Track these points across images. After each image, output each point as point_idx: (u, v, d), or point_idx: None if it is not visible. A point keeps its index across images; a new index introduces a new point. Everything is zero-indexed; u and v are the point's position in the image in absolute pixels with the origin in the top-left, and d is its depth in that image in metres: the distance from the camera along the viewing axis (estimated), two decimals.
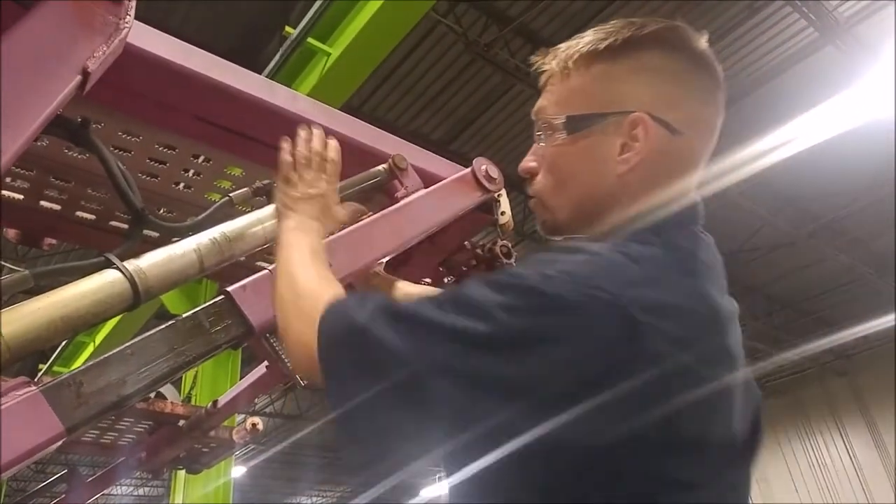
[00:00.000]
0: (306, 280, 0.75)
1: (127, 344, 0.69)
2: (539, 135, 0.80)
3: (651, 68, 0.74)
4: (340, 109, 1.19)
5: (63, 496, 2.14)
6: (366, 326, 0.61)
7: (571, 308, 0.57)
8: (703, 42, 0.77)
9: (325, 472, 14.89)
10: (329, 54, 3.92)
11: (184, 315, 0.74)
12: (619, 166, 0.73)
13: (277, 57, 4.25)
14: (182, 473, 4.70)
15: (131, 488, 14.67)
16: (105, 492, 2.34)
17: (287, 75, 4.19)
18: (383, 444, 0.61)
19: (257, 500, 16.11)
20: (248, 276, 0.88)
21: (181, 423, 1.92)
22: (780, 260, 9.26)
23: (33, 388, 0.63)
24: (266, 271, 0.83)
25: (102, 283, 0.73)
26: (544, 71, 0.81)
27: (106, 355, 0.68)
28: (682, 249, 0.68)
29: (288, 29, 4.21)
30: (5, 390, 0.62)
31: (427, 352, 0.58)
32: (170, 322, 0.74)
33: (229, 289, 0.79)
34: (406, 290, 1.14)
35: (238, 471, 11.39)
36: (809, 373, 13.07)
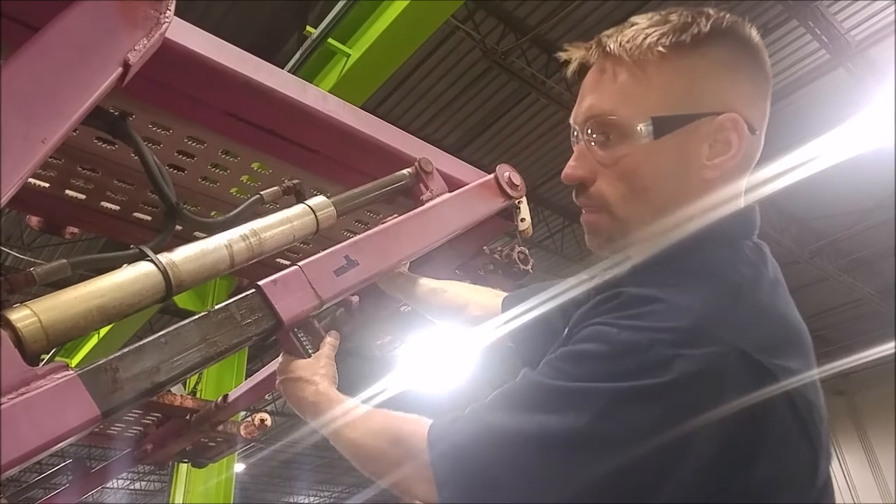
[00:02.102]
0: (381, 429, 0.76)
1: (161, 333, 0.70)
2: (597, 139, 0.71)
3: (729, 64, 0.69)
4: None
5: (65, 486, 2.15)
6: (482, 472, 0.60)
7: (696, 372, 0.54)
8: (758, 36, 0.72)
9: (322, 472, 14.88)
10: (349, 55, 3.95)
11: (216, 307, 0.75)
12: (707, 171, 0.68)
13: (297, 56, 4.28)
14: (184, 467, 4.71)
15: (127, 482, 14.65)
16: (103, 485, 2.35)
17: (306, 75, 4.21)
18: None
19: (255, 497, 16.09)
20: (264, 272, 0.90)
21: (189, 416, 1.93)
22: (785, 278, 9.23)
23: (71, 372, 0.64)
24: (295, 267, 0.84)
25: (137, 274, 0.74)
26: (583, 65, 0.74)
27: (141, 343, 0.69)
28: (758, 270, 0.66)
29: (309, 29, 4.24)
30: (44, 373, 0.63)
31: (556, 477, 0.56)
32: (202, 313, 0.75)
33: (260, 283, 0.80)
34: (429, 285, 1.15)
35: (237, 467, 11.39)
36: None
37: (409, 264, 1.21)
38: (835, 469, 12.65)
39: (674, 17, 0.69)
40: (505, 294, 1.09)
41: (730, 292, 0.60)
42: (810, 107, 6.58)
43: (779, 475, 0.55)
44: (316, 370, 0.90)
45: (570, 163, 0.74)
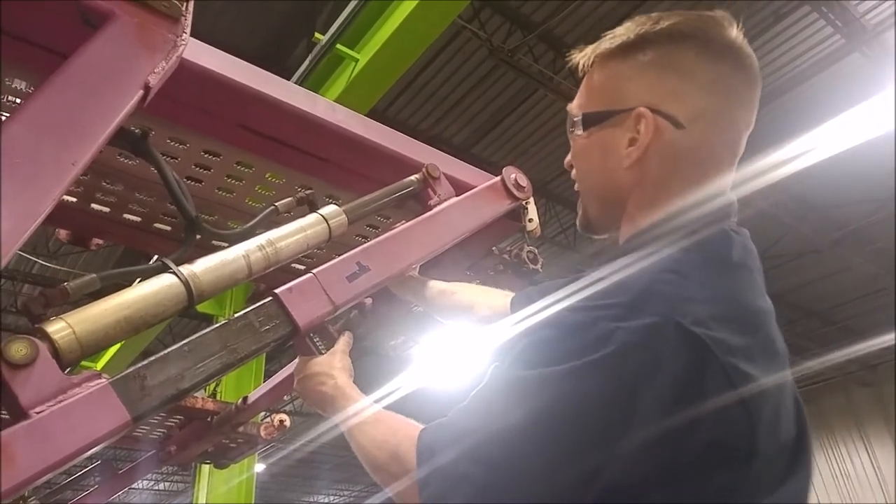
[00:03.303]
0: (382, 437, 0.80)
1: (185, 341, 0.74)
2: (570, 131, 0.86)
3: (661, 63, 0.75)
4: (365, 114, 1.23)
5: (95, 487, 2.22)
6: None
7: (633, 343, 0.58)
8: (729, 31, 0.75)
9: (341, 472, 15.01)
10: (357, 60, 3.99)
11: (235, 315, 0.79)
12: (625, 160, 0.76)
13: (307, 63, 4.33)
14: (206, 468, 4.79)
15: (152, 483, 14.90)
16: (130, 486, 2.41)
17: (316, 80, 4.27)
18: None
19: (276, 497, 16.27)
20: (280, 277, 0.94)
21: (211, 418, 1.98)
22: (805, 268, 9.13)
23: (103, 380, 0.68)
24: (309, 275, 0.88)
25: (160, 286, 0.78)
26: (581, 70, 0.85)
27: (166, 351, 0.73)
28: (715, 252, 0.69)
29: (317, 35, 4.29)
30: (79, 381, 0.67)
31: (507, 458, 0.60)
32: (223, 322, 0.79)
33: (277, 291, 0.84)
34: (439, 287, 1.18)
35: (258, 468, 11.53)
36: (833, 382, 12.85)
37: (419, 267, 1.24)
38: (863, 460, 12.52)
39: (620, 30, 0.80)
40: (514, 294, 1.12)
41: (673, 270, 0.64)
42: (826, 93, 6.48)
43: (714, 440, 0.58)
44: (333, 364, 0.94)
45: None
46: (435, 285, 1.19)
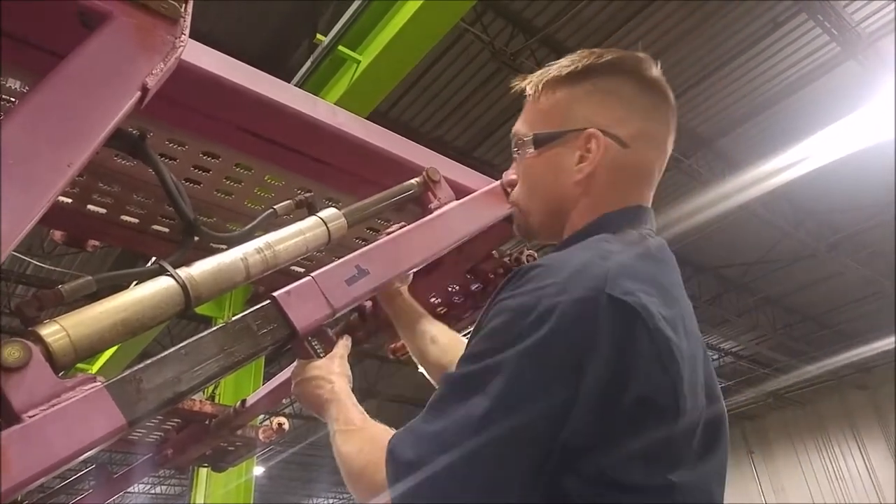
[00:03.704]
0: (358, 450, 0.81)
1: (182, 344, 0.74)
2: (516, 151, 0.93)
3: (605, 91, 0.86)
4: (367, 116, 1.23)
5: (89, 491, 2.20)
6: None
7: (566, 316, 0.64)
8: (655, 69, 0.88)
9: (337, 474, 14.95)
10: (358, 62, 3.99)
11: (233, 318, 0.78)
12: (576, 175, 0.85)
13: (308, 64, 4.32)
14: (204, 472, 4.77)
15: (148, 486, 14.83)
16: (125, 490, 2.39)
17: (317, 82, 4.26)
18: None
19: (273, 499, 16.22)
20: (279, 278, 0.93)
21: (209, 421, 1.97)
22: (801, 271, 9.17)
23: (98, 383, 0.68)
24: (308, 278, 0.87)
25: (157, 289, 0.77)
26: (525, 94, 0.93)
27: (163, 354, 0.72)
28: (638, 243, 0.79)
29: (319, 37, 4.29)
30: (73, 385, 0.67)
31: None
32: (220, 325, 0.78)
33: (275, 294, 0.83)
34: (421, 326, 1.18)
35: (256, 470, 11.50)
36: (829, 385, 12.89)
37: (411, 279, 1.23)
38: (857, 462, 12.55)
39: (572, 58, 0.89)
40: None
41: (600, 254, 0.72)
42: (822, 100, 6.53)
43: (643, 396, 0.64)
44: (331, 369, 0.94)
45: (511, 169, 0.98)
46: (416, 321, 1.19)
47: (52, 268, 7.43)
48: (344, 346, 1.01)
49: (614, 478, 0.64)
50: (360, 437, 0.83)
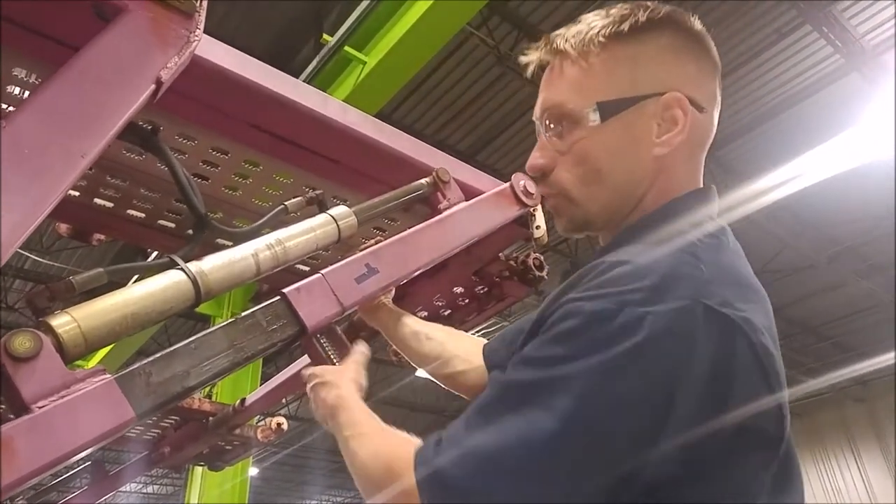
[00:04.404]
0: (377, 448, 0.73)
1: (192, 338, 0.73)
2: (553, 129, 0.77)
3: (672, 48, 0.74)
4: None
5: (83, 489, 2.19)
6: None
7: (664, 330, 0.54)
8: (698, 23, 0.78)
9: (334, 477, 14.93)
10: (365, 63, 3.99)
11: (243, 314, 0.78)
12: (657, 148, 0.72)
13: (314, 63, 4.33)
14: (199, 471, 4.75)
15: (140, 485, 14.77)
16: (119, 487, 2.37)
17: (322, 83, 4.26)
18: None
19: (268, 500, 16.17)
20: (284, 277, 0.93)
21: (207, 419, 1.96)
22: (801, 283, 9.18)
23: (108, 375, 0.67)
24: (318, 275, 0.87)
25: (168, 282, 0.77)
26: (539, 65, 0.80)
27: (172, 348, 0.72)
28: (720, 237, 0.68)
29: (325, 37, 4.29)
30: (83, 377, 0.66)
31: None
32: (230, 320, 0.78)
33: (285, 290, 0.83)
34: (411, 328, 1.11)
35: (251, 471, 11.46)
36: (827, 397, 12.88)
37: (392, 293, 1.19)
38: (854, 476, 12.55)
39: (614, 11, 0.75)
40: (485, 342, 1.09)
41: (690, 253, 0.62)
42: (825, 111, 6.55)
43: (749, 425, 0.55)
44: (344, 374, 0.88)
45: (533, 154, 0.79)
46: (408, 323, 1.13)
47: (51, 263, 7.41)
48: (361, 353, 0.92)
49: None
50: (374, 440, 0.74)
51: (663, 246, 0.63)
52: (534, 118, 0.81)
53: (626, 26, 0.73)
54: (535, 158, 0.79)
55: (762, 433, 0.57)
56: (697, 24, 0.77)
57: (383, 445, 0.73)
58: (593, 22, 0.75)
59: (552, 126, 0.77)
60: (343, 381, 0.87)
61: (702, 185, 0.77)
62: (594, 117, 0.73)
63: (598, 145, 0.74)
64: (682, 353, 0.54)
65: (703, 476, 0.55)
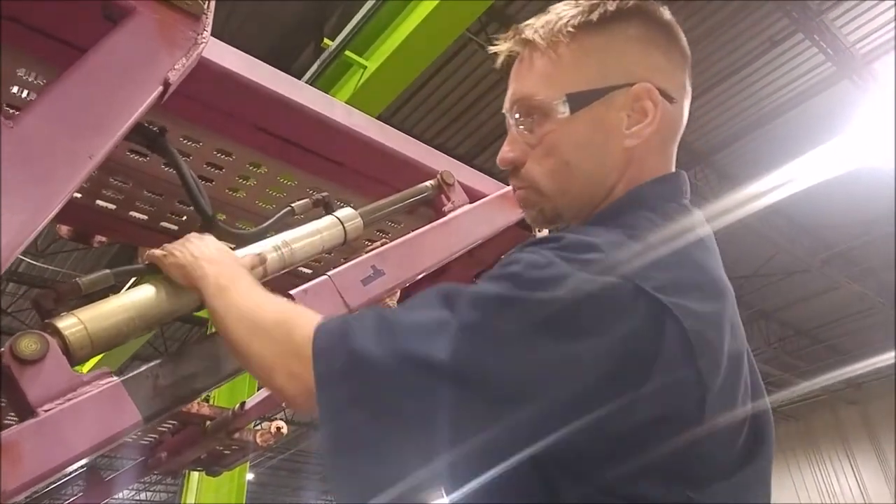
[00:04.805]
0: (269, 311, 0.69)
1: (198, 341, 0.73)
2: (522, 122, 0.75)
3: (641, 39, 0.73)
4: None
5: (78, 495, 2.16)
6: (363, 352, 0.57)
7: (593, 301, 0.55)
8: (668, 13, 0.77)
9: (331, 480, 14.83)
10: (365, 67, 3.99)
11: None
12: (627, 140, 0.71)
13: (315, 67, 4.32)
14: (196, 476, 4.71)
15: (132, 492, 14.62)
16: (115, 494, 2.34)
17: (322, 86, 4.25)
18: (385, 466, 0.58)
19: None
20: (287, 279, 0.92)
21: (205, 423, 1.94)
22: (795, 286, 9.22)
23: (115, 378, 0.67)
24: (325, 277, 0.87)
25: (175, 284, 0.76)
26: (508, 56, 0.77)
27: (180, 350, 0.72)
28: (682, 223, 0.68)
29: (326, 41, 4.29)
30: (89, 379, 0.66)
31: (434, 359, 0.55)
32: None
33: (292, 292, 0.82)
34: None
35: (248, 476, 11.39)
36: (821, 400, 12.93)
37: (397, 296, 1.19)
38: (848, 478, 12.58)
39: (584, 1, 0.73)
40: None
41: (636, 237, 0.62)
42: (817, 118, 6.60)
43: (664, 410, 0.56)
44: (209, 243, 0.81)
45: (503, 147, 0.77)
46: None
47: (45, 266, 7.36)
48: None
49: (624, 494, 0.56)
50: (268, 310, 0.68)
51: (615, 229, 0.64)
52: (503, 110, 0.79)
53: (595, 16, 0.72)
54: (506, 152, 0.76)
55: (677, 418, 0.57)
56: (667, 14, 0.76)
57: (278, 311, 0.69)
58: (563, 12, 0.74)
59: (522, 119, 0.75)
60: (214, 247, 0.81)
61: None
62: (563, 109, 0.72)
63: (567, 137, 0.72)
64: (594, 322, 0.55)
65: (624, 455, 0.56)
